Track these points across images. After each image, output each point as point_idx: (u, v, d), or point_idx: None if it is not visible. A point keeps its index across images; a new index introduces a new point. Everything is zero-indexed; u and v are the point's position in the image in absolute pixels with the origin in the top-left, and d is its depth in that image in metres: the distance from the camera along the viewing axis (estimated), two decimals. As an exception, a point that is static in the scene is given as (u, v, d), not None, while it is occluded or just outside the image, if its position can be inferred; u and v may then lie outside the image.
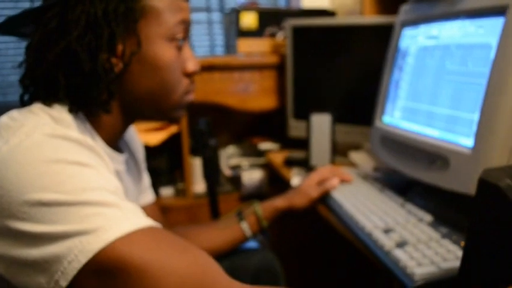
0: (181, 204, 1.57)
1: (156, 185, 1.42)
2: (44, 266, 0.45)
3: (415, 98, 0.89)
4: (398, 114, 0.95)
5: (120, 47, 0.57)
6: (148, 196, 0.88)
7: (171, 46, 0.62)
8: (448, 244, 0.65)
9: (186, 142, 1.54)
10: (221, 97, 1.52)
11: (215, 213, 1.33)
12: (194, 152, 1.56)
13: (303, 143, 1.25)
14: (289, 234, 1.50)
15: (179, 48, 0.63)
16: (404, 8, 0.98)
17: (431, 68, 0.84)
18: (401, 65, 0.96)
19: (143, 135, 1.49)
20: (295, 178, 1.19)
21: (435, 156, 0.76)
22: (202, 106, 1.47)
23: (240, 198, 1.63)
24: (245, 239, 0.93)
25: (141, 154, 0.85)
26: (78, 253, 0.44)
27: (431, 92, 0.83)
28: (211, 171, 1.31)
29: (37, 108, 0.56)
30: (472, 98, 0.70)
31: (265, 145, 1.64)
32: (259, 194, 1.59)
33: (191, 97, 0.69)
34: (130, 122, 0.67)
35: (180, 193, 1.62)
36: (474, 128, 0.68)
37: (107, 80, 0.56)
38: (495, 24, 0.67)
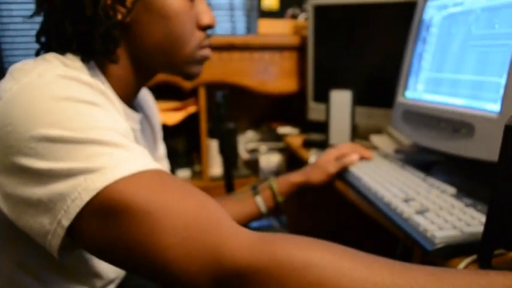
0: (197, 186, 1.56)
1: (173, 167, 1.42)
2: (48, 204, 0.44)
3: (439, 68, 0.85)
4: (421, 87, 0.91)
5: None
6: (163, 166, 0.86)
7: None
8: (472, 212, 0.62)
9: (204, 123, 1.53)
10: (240, 78, 1.51)
11: (231, 195, 1.32)
12: (212, 133, 1.56)
13: (323, 127, 1.22)
14: (305, 212, 1.47)
15: (191, 0, 0.62)
16: (430, -21, 0.95)
17: (456, 36, 0.80)
18: (425, 36, 0.92)
19: (161, 115, 1.49)
20: (313, 157, 1.17)
21: (460, 124, 0.72)
22: (220, 88, 1.46)
23: (258, 183, 1.61)
24: (260, 214, 0.90)
25: (157, 122, 0.84)
26: (81, 191, 0.43)
27: (456, 60, 0.80)
28: (228, 151, 1.30)
29: (50, 56, 0.55)
30: (499, 61, 0.67)
31: (284, 129, 1.62)
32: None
33: (207, 52, 0.67)
34: (144, 76, 0.66)
35: (197, 175, 1.62)
36: (501, 92, 0.64)
37: (107, 25, 0.55)
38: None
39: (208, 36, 0.67)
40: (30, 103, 0.45)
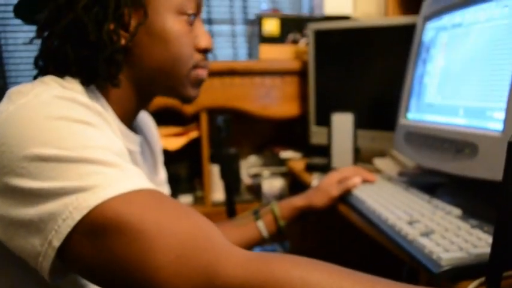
0: (199, 212, 1.54)
1: (175, 193, 1.41)
2: (39, 225, 0.43)
3: (440, 90, 0.85)
4: (423, 109, 0.91)
5: (126, 18, 0.57)
6: (164, 190, 0.85)
7: (181, 20, 0.61)
8: (478, 233, 0.60)
9: (205, 148, 1.53)
10: (242, 103, 1.51)
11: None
12: (213, 159, 1.55)
13: (325, 151, 1.21)
14: (308, 237, 1.44)
15: (190, 23, 0.62)
16: (426, 3, 0.96)
17: (456, 57, 0.80)
18: (425, 58, 0.93)
19: (163, 140, 1.48)
20: (316, 181, 1.16)
21: (463, 144, 0.71)
22: (222, 113, 1.46)
23: (260, 208, 1.59)
24: (262, 239, 0.88)
25: (157, 146, 0.83)
26: (73, 210, 0.42)
27: (456, 81, 0.79)
28: (230, 176, 1.29)
29: (48, 78, 0.56)
30: (500, 81, 0.66)
31: (286, 154, 1.61)
32: (280, 202, 1.56)
33: (204, 73, 0.67)
34: (143, 99, 0.66)
35: (199, 201, 1.60)
36: (503, 111, 0.64)
37: (112, 50, 0.56)
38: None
39: (206, 59, 0.67)
40: (24, 122, 0.45)
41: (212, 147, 1.53)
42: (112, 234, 0.41)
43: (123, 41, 0.57)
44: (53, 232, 0.42)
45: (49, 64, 0.58)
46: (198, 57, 0.65)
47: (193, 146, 1.53)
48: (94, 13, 0.55)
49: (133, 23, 0.58)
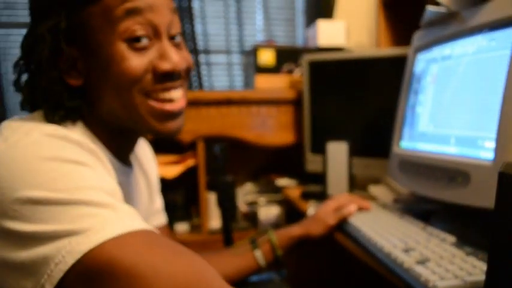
0: (195, 240, 1.54)
1: (171, 220, 1.40)
2: (31, 269, 0.42)
3: (432, 119, 0.87)
4: (416, 137, 0.93)
5: (76, 63, 0.56)
6: (160, 218, 0.86)
7: (130, 46, 0.55)
8: (473, 261, 0.61)
9: (202, 176, 1.54)
10: (238, 131, 1.53)
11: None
12: (210, 186, 1.55)
13: (321, 178, 1.23)
14: (306, 266, 1.44)
15: (144, 47, 0.55)
16: (416, 35, 0.99)
17: (446, 88, 0.83)
18: (417, 89, 0.95)
19: (160, 168, 1.49)
20: (311, 209, 1.16)
21: (455, 173, 0.73)
22: (219, 142, 1.48)
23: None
24: (258, 268, 0.88)
25: (154, 175, 0.84)
26: (65, 254, 0.41)
27: (447, 111, 0.82)
28: (227, 204, 1.29)
29: (39, 114, 0.56)
30: (490, 111, 0.69)
31: (282, 181, 1.62)
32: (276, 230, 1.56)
33: (163, 106, 0.58)
34: (126, 135, 0.63)
35: (195, 228, 1.60)
36: (494, 140, 0.66)
37: (67, 98, 0.56)
38: (507, 35, 0.66)
39: (171, 83, 0.58)
40: (15, 163, 0.45)
41: (209, 174, 1.54)
42: (107, 279, 0.41)
43: (73, 83, 0.57)
44: (46, 276, 0.41)
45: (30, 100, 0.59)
46: (148, 82, 0.56)
47: (190, 174, 1.54)
48: (43, 60, 0.55)
49: (77, 65, 0.56)
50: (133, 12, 0.54)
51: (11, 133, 0.49)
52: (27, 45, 0.58)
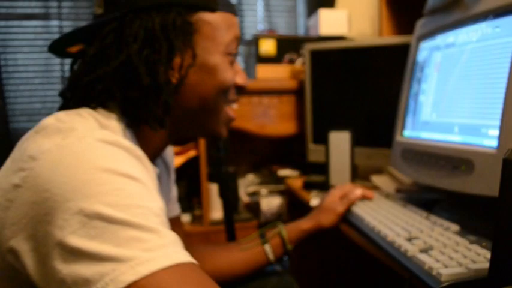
0: (197, 231, 1.54)
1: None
2: (71, 287, 0.42)
3: (435, 108, 0.87)
4: (419, 126, 0.93)
5: (177, 60, 0.59)
6: (175, 209, 0.86)
7: (225, 60, 0.64)
8: (477, 248, 0.61)
9: (204, 167, 1.54)
10: (240, 122, 1.53)
11: (232, 240, 1.30)
12: (212, 177, 1.55)
13: (323, 169, 1.22)
14: (309, 257, 1.44)
15: (232, 62, 0.66)
16: (419, 23, 0.98)
17: (450, 76, 0.82)
18: (420, 77, 0.95)
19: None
20: (314, 199, 1.16)
21: (459, 161, 0.72)
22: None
23: (258, 226, 1.59)
24: (268, 262, 0.87)
25: (172, 164, 0.85)
26: (109, 282, 0.40)
27: (451, 100, 0.81)
28: (229, 195, 1.29)
29: (84, 112, 0.55)
30: (494, 99, 0.68)
31: (284, 172, 1.62)
32: (278, 220, 1.56)
33: (232, 114, 0.70)
34: (174, 138, 0.68)
35: (197, 220, 1.60)
36: (497, 128, 0.65)
37: (166, 93, 0.57)
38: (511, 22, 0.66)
39: (238, 96, 0.71)
40: (69, 171, 0.45)
41: (210, 166, 1.54)
42: None
43: (174, 80, 0.59)
44: None
45: (81, 97, 0.58)
46: (231, 93, 0.68)
47: (191, 165, 1.54)
48: (145, 56, 0.56)
49: (184, 64, 0.60)
50: (237, 39, 0.66)
51: (59, 134, 0.49)
52: (117, 38, 0.57)
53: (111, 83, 0.56)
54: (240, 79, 0.68)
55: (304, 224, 0.90)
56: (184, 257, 0.45)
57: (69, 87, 0.60)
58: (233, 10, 0.67)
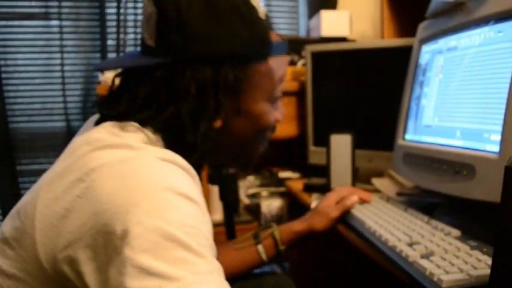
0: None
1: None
2: None
3: (437, 111, 0.86)
4: (420, 130, 0.92)
5: (223, 114, 0.59)
6: None
7: (270, 105, 0.65)
8: (478, 254, 0.61)
9: (204, 169, 1.53)
10: (240, 123, 1.52)
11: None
12: (212, 179, 1.55)
13: (324, 171, 1.22)
14: (307, 258, 1.44)
15: (275, 103, 0.67)
16: (422, 26, 0.98)
17: (452, 80, 0.82)
18: (422, 81, 0.94)
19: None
20: (315, 202, 1.16)
21: (460, 166, 0.72)
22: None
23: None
24: (261, 262, 0.88)
25: None
26: None
27: (453, 104, 0.81)
28: (229, 197, 1.29)
29: (133, 126, 0.56)
30: (496, 104, 0.68)
31: (285, 174, 1.62)
32: (279, 222, 1.55)
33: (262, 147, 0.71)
34: (203, 165, 0.70)
35: (198, 221, 1.60)
36: (499, 133, 0.65)
37: (203, 147, 0.58)
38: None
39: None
40: (131, 185, 0.46)
41: (211, 167, 1.53)
42: None
43: (218, 124, 0.59)
44: None
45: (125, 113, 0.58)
46: (272, 130, 0.70)
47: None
48: (192, 107, 0.56)
49: (228, 113, 0.60)
50: (283, 78, 0.65)
51: (123, 150, 0.50)
52: (168, 85, 0.57)
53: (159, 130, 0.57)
54: (280, 115, 0.69)
55: (297, 225, 0.90)
56: (224, 285, 0.46)
57: (110, 104, 0.59)
58: (284, 50, 0.66)
